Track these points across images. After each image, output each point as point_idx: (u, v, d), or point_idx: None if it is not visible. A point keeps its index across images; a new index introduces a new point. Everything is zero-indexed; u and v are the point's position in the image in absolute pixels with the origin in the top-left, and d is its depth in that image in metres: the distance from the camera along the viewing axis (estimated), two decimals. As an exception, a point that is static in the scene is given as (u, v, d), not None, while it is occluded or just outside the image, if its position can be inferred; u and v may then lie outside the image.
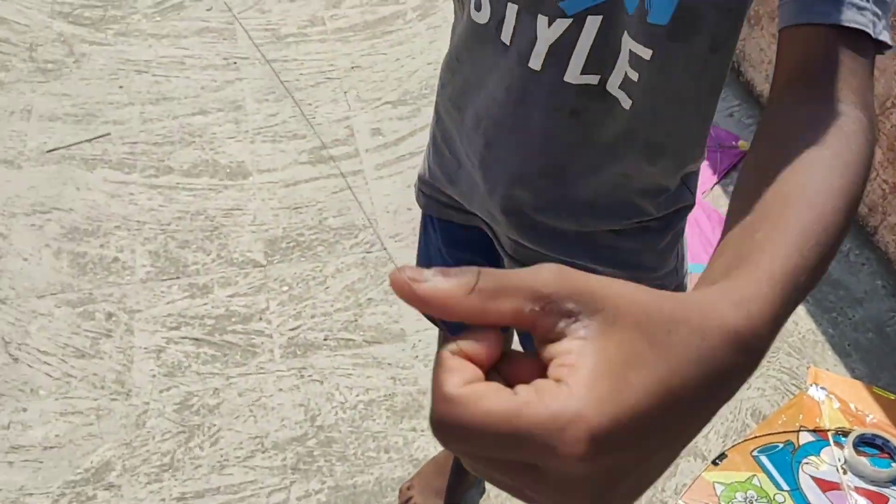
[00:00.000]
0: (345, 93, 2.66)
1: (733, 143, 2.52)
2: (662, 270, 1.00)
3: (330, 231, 2.22)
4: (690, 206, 0.97)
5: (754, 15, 2.60)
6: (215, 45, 2.81)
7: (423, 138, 2.51)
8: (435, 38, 2.90)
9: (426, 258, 1.19)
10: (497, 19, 0.79)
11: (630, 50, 0.73)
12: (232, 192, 2.30)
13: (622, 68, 0.75)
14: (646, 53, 0.72)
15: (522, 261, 1.00)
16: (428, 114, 2.60)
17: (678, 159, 0.87)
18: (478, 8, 0.80)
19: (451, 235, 1.12)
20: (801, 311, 2.07)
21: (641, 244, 0.95)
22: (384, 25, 2.96)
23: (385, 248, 2.17)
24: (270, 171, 2.38)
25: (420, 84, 2.71)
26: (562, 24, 0.74)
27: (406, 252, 2.16)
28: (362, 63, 2.79)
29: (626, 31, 0.72)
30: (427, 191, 1.09)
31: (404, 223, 2.24)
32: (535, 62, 0.78)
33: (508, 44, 0.79)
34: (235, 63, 2.74)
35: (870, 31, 0.58)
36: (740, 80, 2.74)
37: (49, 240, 2.13)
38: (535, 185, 0.88)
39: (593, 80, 0.77)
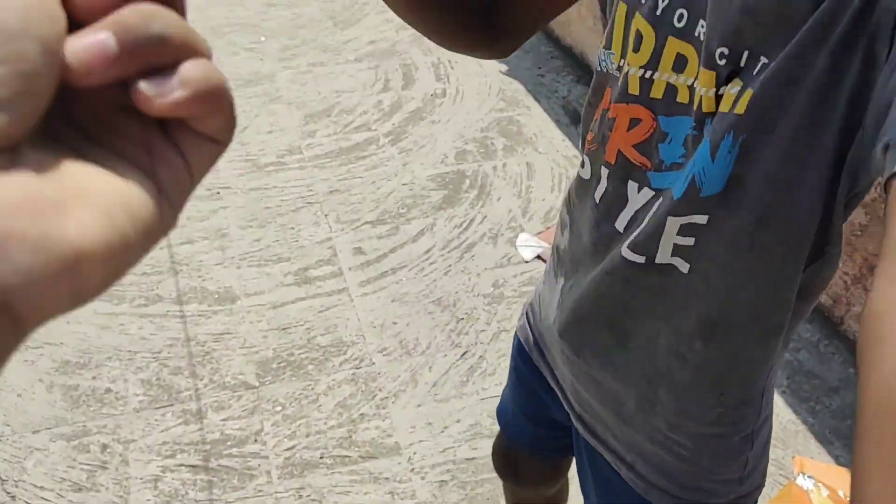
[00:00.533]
0: (325, 215, 2.77)
1: None
2: (720, 476, 0.94)
3: (319, 349, 2.26)
4: (761, 421, 0.92)
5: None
6: (198, 177, 2.92)
7: (404, 255, 2.61)
8: (407, 160, 3.05)
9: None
10: (596, 178, 0.85)
11: (681, 224, 0.75)
12: (221, 317, 2.35)
13: (669, 242, 0.77)
14: (702, 219, 0.73)
15: (586, 422, 1.02)
16: (406, 231, 2.72)
17: (734, 345, 0.83)
18: (582, 164, 0.88)
19: (522, 351, 1.17)
20: (779, 402, 2.15)
21: (698, 440, 0.91)
22: (358, 151, 3.10)
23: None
24: (257, 294, 2.44)
25: (397, 204, 2.83)
26: (647, 194, 0.79)
27: (394, 366, 2.21)
28: (339, 187, 2.92)
29: (669, 215, 0.75)
30: (530, 320, 1.13)
31: (390, 337, 2.30)
32: (620, 224, 0.83)
33: (598, 202, 0.85)
34: (219, 193, 2.85)
35: None
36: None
37: (42, 374, 2.15)
38: (600, 341, 0.91)
39: (640, 259, 0.80)
